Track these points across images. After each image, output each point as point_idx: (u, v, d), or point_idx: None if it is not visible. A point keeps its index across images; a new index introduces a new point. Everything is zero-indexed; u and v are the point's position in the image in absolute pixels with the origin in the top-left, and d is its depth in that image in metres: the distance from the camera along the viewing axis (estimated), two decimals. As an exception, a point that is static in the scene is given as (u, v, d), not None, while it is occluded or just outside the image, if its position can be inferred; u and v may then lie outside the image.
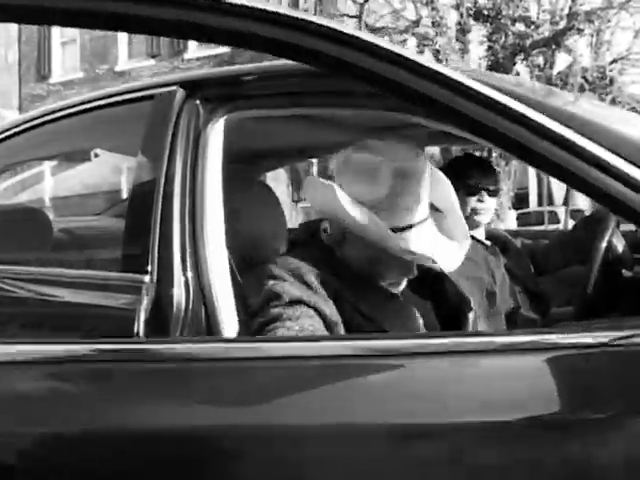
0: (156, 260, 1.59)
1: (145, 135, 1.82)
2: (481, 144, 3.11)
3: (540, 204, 20.89)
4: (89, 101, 2.06)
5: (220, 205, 1.66)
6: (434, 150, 11.29)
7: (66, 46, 21.13)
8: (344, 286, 1.58)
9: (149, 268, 1.58)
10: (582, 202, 23.56)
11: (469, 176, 2.56)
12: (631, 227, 2.49)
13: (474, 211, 2.55)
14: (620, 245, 2.42)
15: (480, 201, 2.55)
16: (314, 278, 1.53)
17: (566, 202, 21.20)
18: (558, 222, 19.30)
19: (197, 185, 1.63)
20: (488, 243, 2.67)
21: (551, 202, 19.22)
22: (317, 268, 1.56)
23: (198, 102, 1.71)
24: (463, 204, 2.50)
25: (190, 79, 1.80)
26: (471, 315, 1.83)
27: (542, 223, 17.79)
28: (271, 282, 1.55)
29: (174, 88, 1.78)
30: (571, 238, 2.77)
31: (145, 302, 1.53)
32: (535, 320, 2.57)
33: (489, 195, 2.56)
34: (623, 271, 2.44)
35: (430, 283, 1.84)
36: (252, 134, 2.17)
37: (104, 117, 2.04)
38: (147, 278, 1.57)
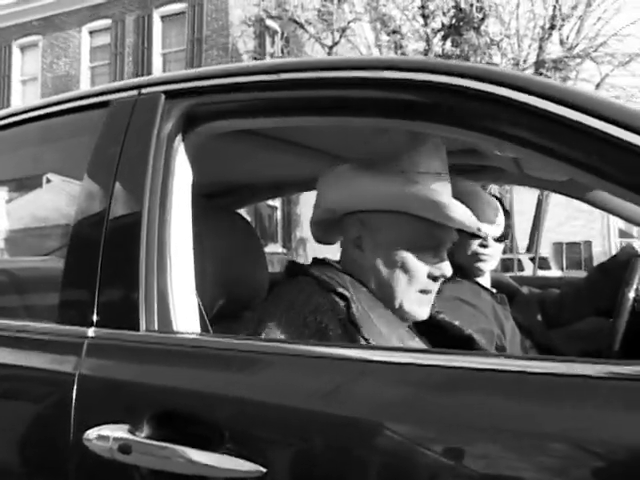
0: (105, 308, 1.25)
1: (94, 152, 1.44)
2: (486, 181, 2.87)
3: (504, 252, 20.79)
4: (34, 109, 1.67)
5: (190, 240, 1.31)
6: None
7: (27, 84, 20.69)
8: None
9: (94, 318, 1.22)
10: (545, 250, 23.78)
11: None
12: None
13: (475, 257, 2.20)
14: None
15: (483, 246, 2.20)
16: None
17: (530, 249, 21.27)
18: (522, 269, 19.25)
19: (164, 215, 1.29)
20: (494, 291, 2.32)
21: (512, 250, 19.14)
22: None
23: (164, 109, 1.36)
24: (464, 247, 2.18)
25: (156, 81, 1.45)
26: None
27: (508, 270, 17.65)
28: None
29: (133, 93, 1.43)
30: (588, 286, 2.43)
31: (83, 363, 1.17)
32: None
33: (495, 240, 2.22)
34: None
35: (443, 338, 1.59)
36: (231, 156, 1.83)
37: (52, 130, 1.66)
38: (91, 331, 1.20)
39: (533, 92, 1.06)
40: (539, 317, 2.45)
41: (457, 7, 17.30)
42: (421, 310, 1.45)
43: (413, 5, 18.52)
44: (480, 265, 2.20)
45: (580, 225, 26.46)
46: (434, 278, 1.44)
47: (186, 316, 1.25)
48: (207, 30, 18.18)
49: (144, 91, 1.42)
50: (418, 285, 1.42)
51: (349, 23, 18.18)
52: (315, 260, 1.51)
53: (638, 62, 17.72)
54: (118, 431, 1.10)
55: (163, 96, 1.38)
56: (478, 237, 2.17)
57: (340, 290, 1.36)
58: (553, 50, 17.60)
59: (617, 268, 2.22)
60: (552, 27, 17.49)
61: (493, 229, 2.18)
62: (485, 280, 2.30)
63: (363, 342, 1.30)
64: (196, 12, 18.26)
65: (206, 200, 2.59)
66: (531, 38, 17.91)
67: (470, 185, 2.23)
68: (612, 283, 2.19)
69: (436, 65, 1.18)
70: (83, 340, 1.23)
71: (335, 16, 17.50)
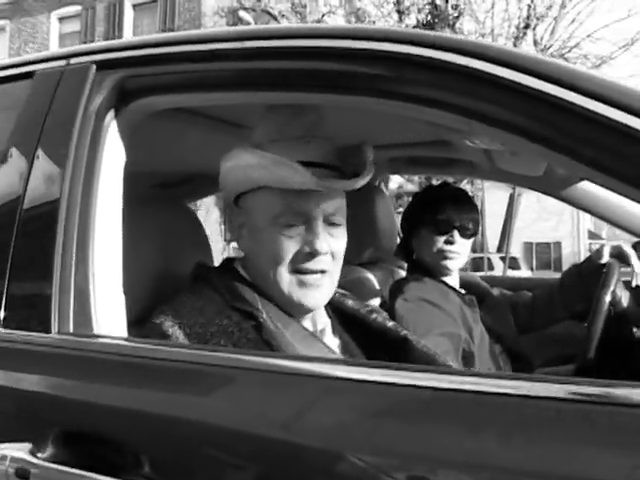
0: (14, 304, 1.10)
1: (14, 129, 1.28)
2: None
3: (474, 250, 20.86)
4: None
5: (118, 230, 1.15)
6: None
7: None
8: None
9: (1, 315, 1.10)
10: (515, 250, 23.92)
11: (440, 210, 2.07)
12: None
13: (441, 254, 2.05)
14: (625, 298, 1.97)
15: (449, 242, 2.05)
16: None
17: (500, 249, 21.33)
18: (492, 269, 19.30)
19: (88, 201, 1.13)
20: (463, 292, 2.18)
21: (483, 249, 19.18)
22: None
23: (94, 81, 1.20)
24: (430, 243, 2.04)
25: (87, 50, 1.28)
26: None
27: (477, 270, 17.66)
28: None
29: (61, 63, 1.26)
30: (561, 289, 2.30)
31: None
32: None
33: (462, 236, 2.07)
34: (633, 329, 1.99)
35: (390, 347, 1.41)
36: (186, 141, 1.67)
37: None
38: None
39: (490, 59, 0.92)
40: (510, 321, 2.31)
41: (432, 4, 17.29)
42: (304, 294, 1.26)
43: (388, 1, 18.45)
44: (447, 263, 2.06)
45: (550, 226, 26.58)
46: (308, 255, 1.24)
47: (109, 317, 1.09)
48: (179, 20, 17.94)
49: (73, 61, 1.26)
50: (291, 265, 1.25)
51: (323, 16, 18.05)
52: (224, 263, 1.36)
53: (610, 65, 17.84)
54: (18, 451, 0.94)
55: (94, 67, 1.22)
56: (444, 233, 2.03)
57: (247, 309, 1.21)
58: (527, 50, 17.60)
59: (591, 271, 2.10)
60: (527, 27, 17.53)
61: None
62: (453, 280, 2.16)
63: None
64: (168, 1, 18.00)
65: (160, 190, 2.43)
66: (506, 37, 17.94)
67: None
68: (586, 286, 2.08)
69: (379, 33, 1.03)
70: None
71: (309, 9, 17.35)
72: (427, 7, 17.50)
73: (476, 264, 18.35)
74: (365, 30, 1.05)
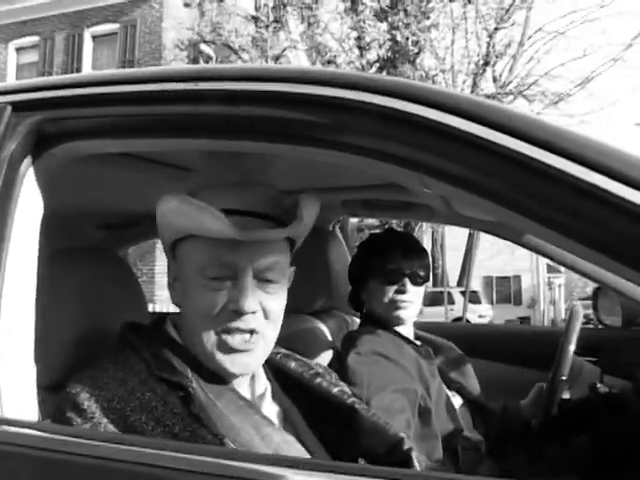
0: None
1: None
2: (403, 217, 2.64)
3: (435, 284, 20.86)
4: None
5: (32, 292, 1.03)
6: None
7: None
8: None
9: None
10: (476, 283, 24.07)
11: (389, 259, 1.96)
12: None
13: (393, 304, 1.94)
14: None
15: (401, 292, 1.95)
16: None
17: (460, 283, 21.41)
18: (453, 302, 19.34)
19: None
20: (418, 343, 2.07)
21: (443, 283, 19.19)
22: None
23: (9, 124, 1.08)
24: (380, 294, 1.94)
25: (2, 90, 1.16)
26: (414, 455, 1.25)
27: (438, 304, 17.66)
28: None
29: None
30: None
31: None
32: (479, 444, 1.97)
33: (413, 284, 1.96)
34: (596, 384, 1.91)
35: (337, 416, 1.29)
36: (130, 182, 1.55)
37: None
38: None
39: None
40: (470, 371, 2.21)
41: (393, 40, 17.40)
42: (231, 358, 1.13)
43: (349, 37, 18.59)
44: (399, 313, 1.95)
45: (510, 260, 26.78)
46: (234, 313, 1.12)
47: (16, 394, 0.94)
48: (139, 52, 17.82)
49: (-14, 101, 1.13)
50: (217, 324, 1.12)
51: (284, 51, 18.09)
52: (154, 322, 1.23)
53: (567, 102, 18.13)
54: None
55: (9, 108, 1.10)
56: (394, 282, 1.92)
57: (174, 379, 1.08)
58: (487, 86, 17.88)
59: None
60: (486, 64, 17.77)
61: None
62: (407, 330, 2.06)
63: (214, 440, 1.03)
64: (129, 33, 17.88)
65: (106, 232, 2.29)
66: (465, 74, 18.17)
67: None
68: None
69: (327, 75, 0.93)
70: None
71: (270, 43, 17.37)
72: (388, 43, 17.64)
73: (436, 298, 18.35)
74: (304, 72, 0.94)
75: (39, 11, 18.51)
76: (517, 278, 28.88)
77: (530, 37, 18.62)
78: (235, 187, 1.16)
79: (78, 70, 18.00)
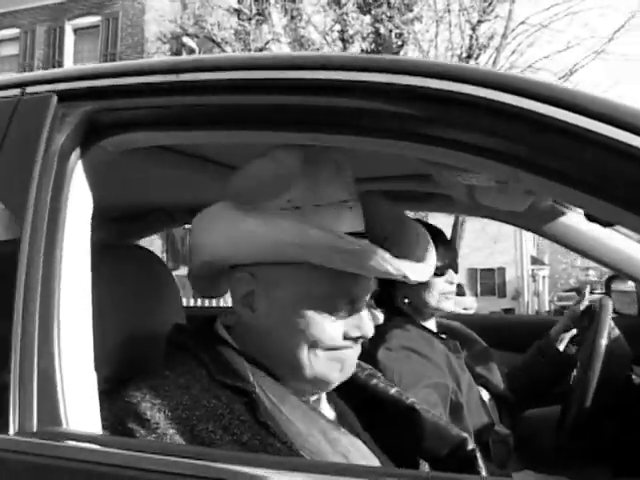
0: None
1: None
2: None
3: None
4: None
5: (88, 291, 0.97)
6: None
7: None
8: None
9: None
10: (460, 275, 24.16)
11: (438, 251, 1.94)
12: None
13: (443, 295, 1.94)
14: (621, 342, 1.89)
15: (450, 282, 1.94)
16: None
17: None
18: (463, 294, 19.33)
19: (52, 259, 0.93)
20: (443, 337, 2.04)
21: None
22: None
23: (57, 114, 1.02)
24: (432, 286, 1.91)
25: (47, 78, 1.10)
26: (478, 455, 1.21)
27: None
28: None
29: (14, 92, 1.09)
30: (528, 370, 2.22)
31: None
32: (507, 438, 1.94)
33: (455, 272, 1.97)
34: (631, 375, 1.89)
35: (394, 418, 1.25)
36: (141, 174, 1.49)
37: None
38: None
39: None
40: (494, 363, 2.19)
41: (376, 33, 17.37)
42: (335, 372, 1.09)
43: (333, 29, 18.52)
44: (448, 305, 1.95)
45: (494, 252, 26.88)
46: (354, 340, 1.08)
47: (80, 407, 0.89)
48: (121, 45, 17.67)
49: (29, 90, 1.08)
50: (329, 345, 1.06)
51: (267, 43, 18.00)
52: (202, 327, 1.15)
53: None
54: None
55: (55, 98, 1.04)
56: (442, 274, 1.90)
57: (238, 384, 1.02)
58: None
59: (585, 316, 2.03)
60: (469, 57, 17.76)
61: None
62: (432, 324, 2.03)
63: (283, 448, 0.98)
64: (110, 26, 17.71)
65: (110, 225, 2.23)
66: (449, 66, 18.11)
67: (391, 209, 1.96)
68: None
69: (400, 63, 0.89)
70: None
71: (252, 36, 17.27)
72: (371, 36, 17.60)
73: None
74: (400, 62, 0.90)
75: (19, 3, 18.27)
76: (501, 270, 29.01)
77: (513, 30, 18.61)
78: (345, 206, 1.08)
79: (60, 63, 17.80)
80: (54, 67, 17.72)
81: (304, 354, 1.04)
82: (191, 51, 18.56)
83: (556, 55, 18.35)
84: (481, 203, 2.19)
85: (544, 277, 31.40)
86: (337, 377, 1.08)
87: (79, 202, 1.00)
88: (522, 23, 18.74)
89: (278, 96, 0.95)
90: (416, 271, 1.04)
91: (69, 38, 18.16)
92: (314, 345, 1.04)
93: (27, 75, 1.13)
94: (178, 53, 17.99)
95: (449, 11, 18.31)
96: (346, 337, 1.06)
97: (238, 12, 18.25)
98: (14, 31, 18.49)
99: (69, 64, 17.93)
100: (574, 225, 2.29)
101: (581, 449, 1.90)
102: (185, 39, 18.09)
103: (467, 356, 2.09)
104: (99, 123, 1.02)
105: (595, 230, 2.31)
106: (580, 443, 1.88)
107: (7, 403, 0.85)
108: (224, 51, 17.73)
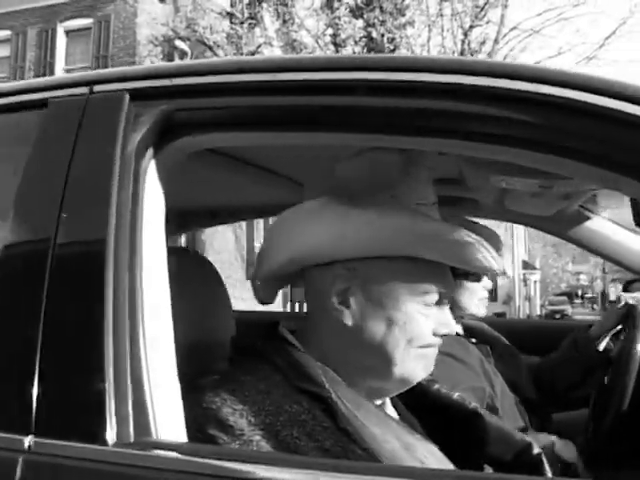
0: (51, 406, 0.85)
1: (25, 172, 1.05)
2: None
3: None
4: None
5: (167, 295, 0.95)
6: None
7: None
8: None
9: (32, 421, 0.84)
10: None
11: None
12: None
13: (481, 301, 1.93)
14: None
15: (486, 289, 1.94)
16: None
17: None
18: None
19: (134, 260, 0.91)
20: (474, 341, 2.03)
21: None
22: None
23: (130, 113, 1.01)
24: (472, 292, 1.91)
25: (117, 76, 1.08)
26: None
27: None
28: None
29: (82, 90, 1.07)
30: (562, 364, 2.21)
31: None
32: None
33: (489, 278, 1.97)
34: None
35: (457, 423, 1.24)
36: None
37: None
38: (28, 442, 0.81)
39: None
40: (522, 367, 2.19)
41: (369, 37, 17.39)
42: (420, 370, 1.09)
43: (325, 33, 18.53)
44: (481, 311, 1.94)
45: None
46: (440, 337, 1.09)
47: (168, 416, 0.87)
48: (113, 48, 17.57)
49: (98, 88, 1.06)
50: (420, 344, 1.07)
51: (259, 47, 17.97)
52: (270, 332, 1.13)
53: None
54: None
55: (127, 96, 1.03)
56: (479, 280, 1.89)
57: (314, 389, 1.01)
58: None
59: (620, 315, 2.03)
60: (461, 61, 17.81)
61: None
62: (460, 329, 2.03)
63: (363, 454, 0.96)
64: (102, 29, 17.61)
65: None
66: (441, 71, 18.16)
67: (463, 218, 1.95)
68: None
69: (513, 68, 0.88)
70: (16, 456, 0.81)
71: (245, 40, 17.24)
72: (364, 40, 17.62)
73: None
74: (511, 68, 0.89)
75: (10, 4, 18.14)
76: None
77: (505, 35, 18.72)
78: (434, 207, 1.11)
79: (51, 65, 17.70)
80: (45, 69, 17.64)
81: (399, 351, 1.04)
82: (183, 54, 18.49)
83: (548, 61, 18.40)
84: (508, 207, 2.20)
85: (535, 281, 31.49)
86: (421, 375, 1.09)
87: (156, 204, 0.99)
88: (514, 28, 18.86)
89: (356, 97, 0.94)
90: (508, 270, 1.05)
91: (61, 40, 18.05)
92: (410, 342, 1.04)
93: (93, 73, 1.11)
94: (170, 56, 17.92)
95: (441, 16, 18.38)
96: (434, 334, 1.07)
97: (230, 16, 18.21)
98: (5, 33, 18.34)
99: (61, 66, 17.82)
100: (599, 230, 2.31)
101: (615, 453, 1.90)
102: (177, 42, 18.01)
103: (495, 360, 2.09)
104: (175, 123, 1.00)
105: (619, 234, 2.32)
106: (616, 447, 1.87)
107: (104, 413, 0.83)
108: (216, 54, 17.68)
